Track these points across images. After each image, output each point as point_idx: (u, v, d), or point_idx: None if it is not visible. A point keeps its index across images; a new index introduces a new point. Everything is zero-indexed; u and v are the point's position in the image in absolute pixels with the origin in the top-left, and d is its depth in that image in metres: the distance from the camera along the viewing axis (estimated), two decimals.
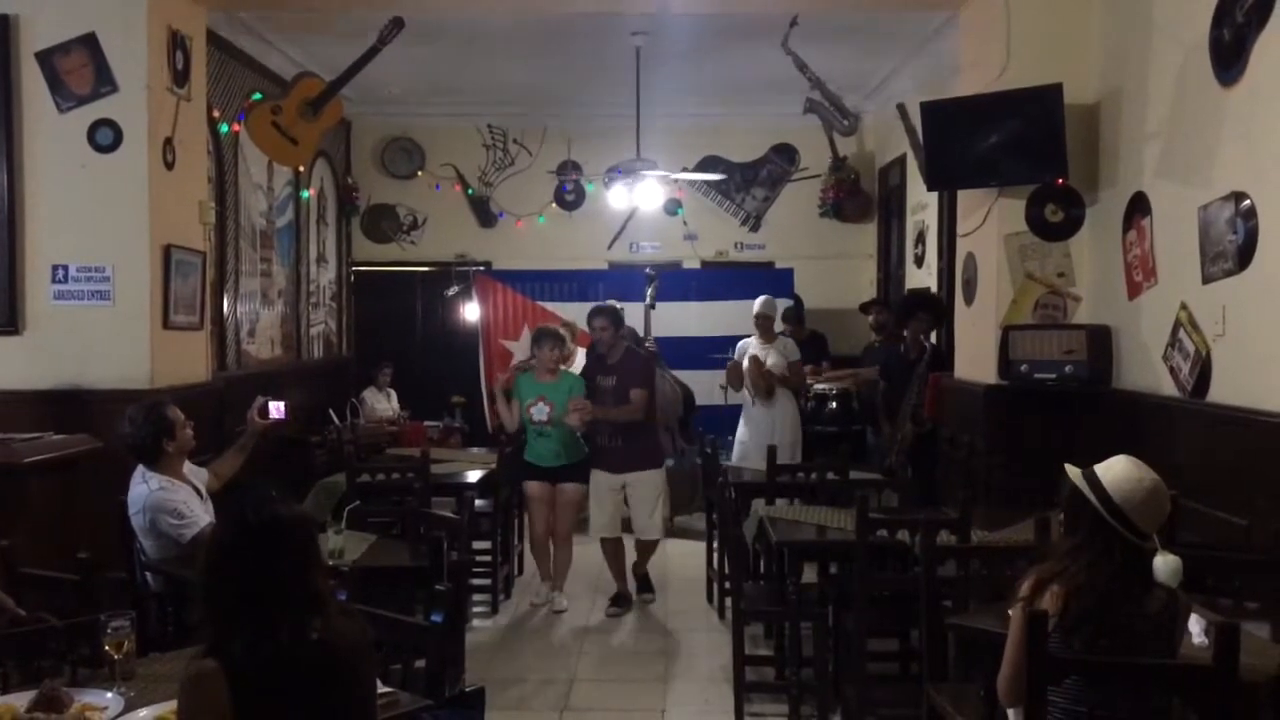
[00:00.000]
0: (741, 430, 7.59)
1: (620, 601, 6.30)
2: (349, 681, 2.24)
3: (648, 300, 8.39)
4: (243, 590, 2.18)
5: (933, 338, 7.63)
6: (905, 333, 7.24)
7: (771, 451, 5.83)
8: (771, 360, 7.47)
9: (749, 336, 7.67)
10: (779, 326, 8.52)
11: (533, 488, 6.26)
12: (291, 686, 2.15)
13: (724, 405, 8.38)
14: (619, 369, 6.21)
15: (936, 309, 7.47)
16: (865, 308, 9.03)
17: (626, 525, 6.37)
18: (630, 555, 6.42)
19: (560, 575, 6.29)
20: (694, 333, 9.11)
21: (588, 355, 6.47)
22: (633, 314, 8.59)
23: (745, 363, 7.53)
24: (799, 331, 8.87)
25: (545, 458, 6.21)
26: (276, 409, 4.76)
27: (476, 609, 6.20)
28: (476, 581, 6.26)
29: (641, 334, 8.01)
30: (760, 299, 7.64)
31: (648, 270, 8.70)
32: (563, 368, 6.41)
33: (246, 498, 2.30)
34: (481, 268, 10.32)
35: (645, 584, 6.50)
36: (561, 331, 6.57)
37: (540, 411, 6.10)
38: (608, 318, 6.25)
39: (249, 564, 2.19)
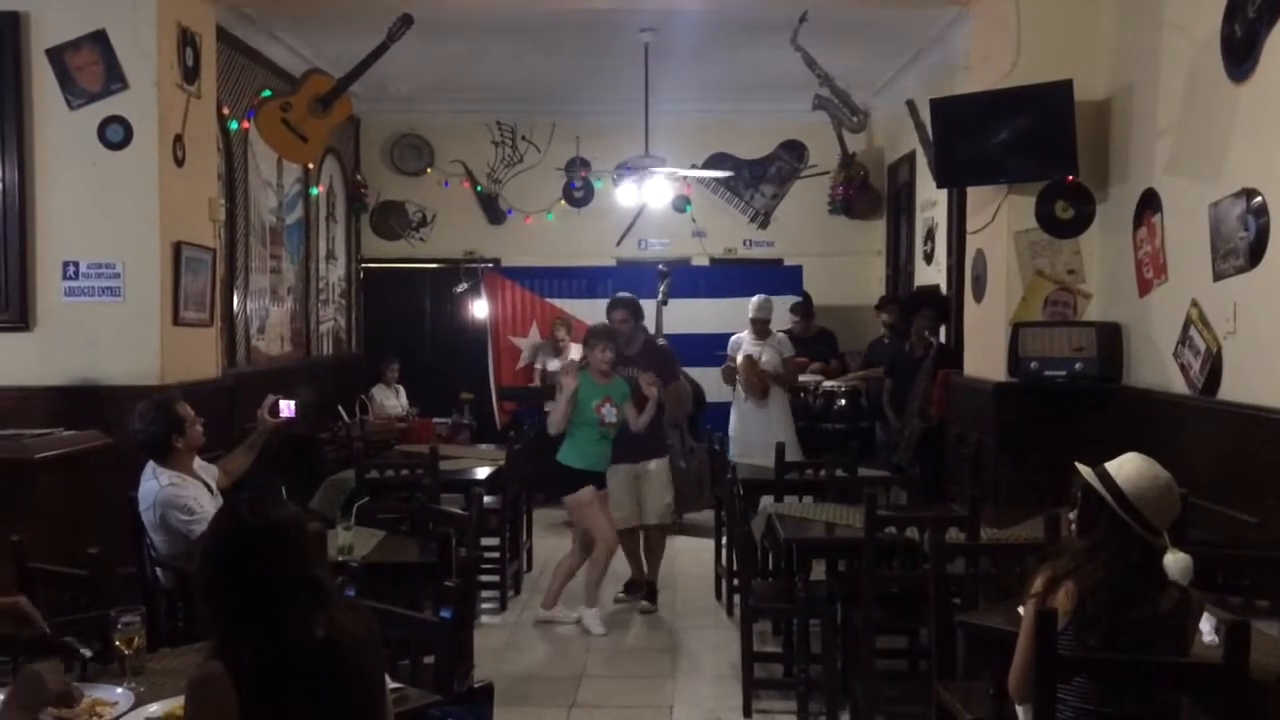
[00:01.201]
0: (734, 427, 7.61)
1: (633, 589, 6.25)
2: (356, 678, 2.24)
3: (660, 297, 8.40)
4: (244, 593, 2.17)
5: (941, 335, 7.63)
6: (911, 330, 7.28)
7: (780, 449, 5.84)
8: (766, 357, 7.53)
9: (742, 333, 7.72)
10: (787, 322, 8.56)
11: (590, 494, 5.88)
12: (298, 686, 2.15)
13: (731, 403, 8.38)
14: (639, 360, 6.14)
15: (940, 305, 7.51)
16: (881, 305, 9.03)
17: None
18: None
19: (595, 585, 5.96)
20: (702, 330, 9.10)
21: None
22: (644, 311, 8.62)
23: (739, 359, 7.58)
24: (808, 327, 8.88)
25: (600, 462, 5.91)
26: (287, 408, 4.77)
27: (485, 605, 6.21)
28: (485, 578, 6.27)
29: (653, 331, 8.02)
30: (756, 300, 7.68)
31: (660, 267, 8.70)
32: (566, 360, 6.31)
33: (240, 500, 2.29)
34: (490, 264, 10.34)
35: (652, 593, 6.27)
36: (615, 330, 6.24)
37: (611, 413, 5.82)
38: (628, 309, 6.20)
39: (247, 567, 2.18)
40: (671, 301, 8.59)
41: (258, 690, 2.10)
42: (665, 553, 6.49)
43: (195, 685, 2.12)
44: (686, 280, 9.44)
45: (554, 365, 8.99)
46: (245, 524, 2.22)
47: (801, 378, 8.30)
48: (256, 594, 2.17)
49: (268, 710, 2.12)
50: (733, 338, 7.79)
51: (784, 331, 8.36)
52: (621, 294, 6.53)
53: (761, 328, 7.62)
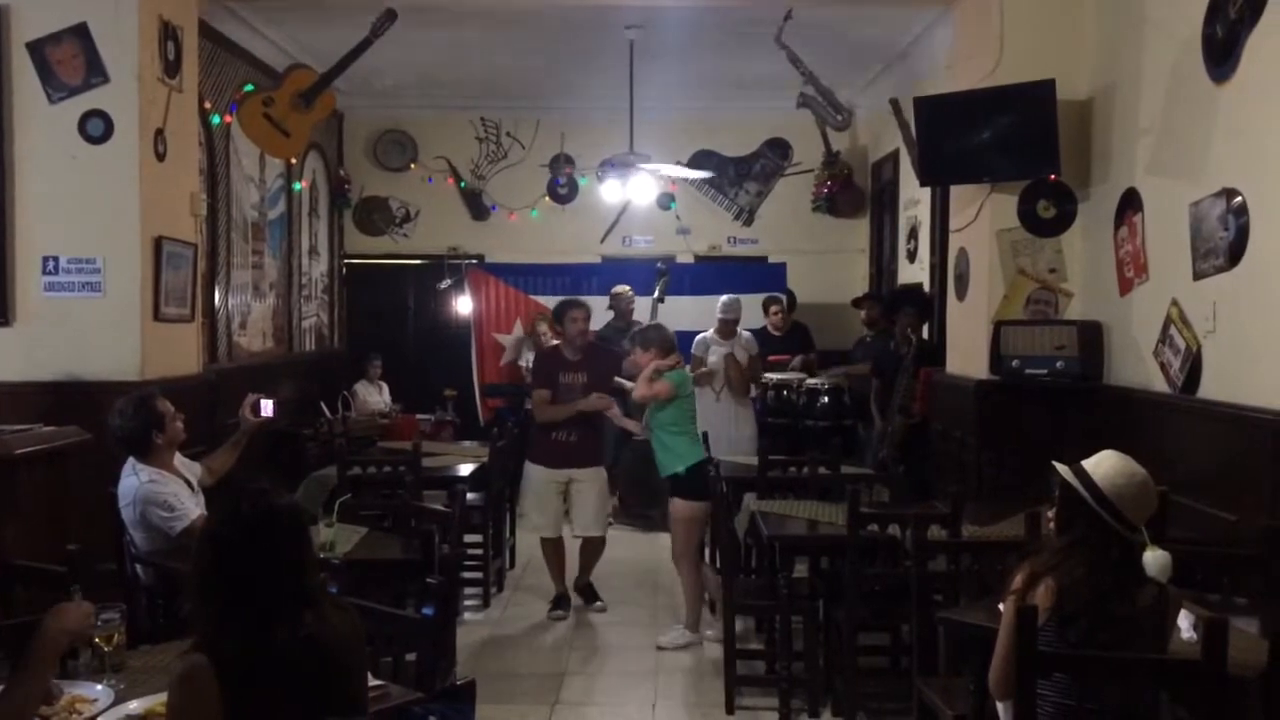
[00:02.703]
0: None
1: (562, 604, 6.05)
2: (340, 677, 2.23)
3: (657, 294, 8.42)
4: (236, 585, 2.17)
5: (925, 333, 7.66)
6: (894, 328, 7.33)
7: (764, 450, 5.85)
8: (739, 357, 7.62)
9: (707, 332, 7.78)
10: (762, 319, 8.59)
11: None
12: (283, 682, 2.15)
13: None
14: (586, 365, 5.94)
15: (922, 303, 7.56)
16: (857, 302, 9.07)
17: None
18: (571, 560, 6.18)
19: (691, 605, 5.60)
20: (687, 326, 9.07)
21: (543, 351, 6.22)
22: (639, 306, 8.67)
23: (713, 359, 7.63)
24: (785, 320, 8.91)
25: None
26: (266, 407, 4.76)
27: (468, 603, 6.20)
28: (468, 575, 6.26)
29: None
30: (724, 300, 7.74)
31: (659, 265, 8.72)
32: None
33: (240, 492, 2.29)
34: (474, 261, 10.31)
35: (591, 593, 6.17)
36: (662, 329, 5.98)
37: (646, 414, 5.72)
38: (587, 311, 6.08)
39: (242, 558, 2.18)
40: (665, 299, 8.60)
41: (241, 685, 2.10)
42: (648, 548, 6.45)
43: (179, 678, 2.12)
44: (671, 277, 9.44)
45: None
46: (241, 515, 2.22)
47: (782, 375, 8.35)
48: (247, 586, 2.16)
49: (250, 705, 2.11)
50: (698, 337, 7.87)
51: (756, 329, 8.39)
52: (579, 297, 6.41)
53: (729, 328, 7.68)
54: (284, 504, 2.30)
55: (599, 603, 6.14)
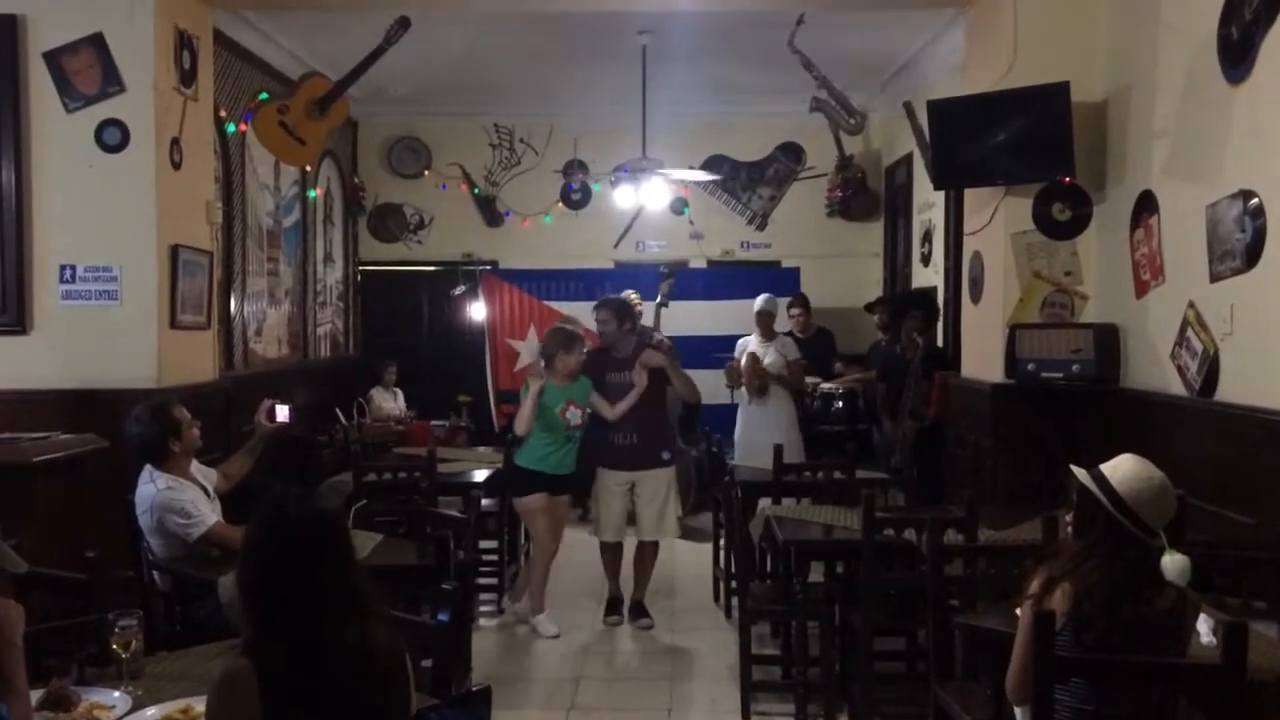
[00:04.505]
0: (739, 430, 7.61)
1: (616, 607, 6.07)
2: (382, 692, 2.21)
3: (660, 299, 8.39)
4: (285, 591, 2.14)
5: (939, 339, 7.63)
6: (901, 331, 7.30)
7: (778, 450, 5.83)
8: (770, 359, 7.53)
9: (749, 335, 7.72)
10: (784, 322, 8.54)
11: (540, 501, 5.85)
12: (325, 693, 2.13)
13: (729, 405, 8.38)
14: (632, 362, 5.97)
15: (928, 306, 7.52)
16: (870, 307, 9.04)
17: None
18: (627, 566, 6.17)
19: (538, 590, 5.92)
20: (700, 331, 9.10)
21: (590, 351, 6.26)
22: (639, 312, 8.61)
23: (743, 360, 7.58)
24: (807, 324, 8.86)
25: (561, 466, 5.84)
26: (282, 412, 4.78)
27: (483, 608, 6.21)
28: (483, 581, 6.27)
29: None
30: (762, 297, 7.69)
31: (662, 268, 8.70)
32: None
33: (288, 496, 2.26)
34: (488, 267, 10.33)
35: (641, 610, 6.05)
36: (580, 332, 6.18)
37: (575, 415, 5.77)
38: (611, 310, 6.12)
39: (292, 563, 2.16)
40: (669, 303, 8.58)
41: (284, 693, 2.08)
42: (664, 553, 6.36)
43: (222, 680, 2.10)
44: (684, 282, 9.42)
45: None
46: (289, 519, 2.20)
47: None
48: (295, 592, 2.14)
49: (291, 713, 2.10)
50: (740, 340, 7.80)
51: (784, 334, 8.35)
52: (610, 296, 6.49)
53: (767, 325, 7.62)
54: (331, 509, 2.28)
55: (646, 619, 6.00)
